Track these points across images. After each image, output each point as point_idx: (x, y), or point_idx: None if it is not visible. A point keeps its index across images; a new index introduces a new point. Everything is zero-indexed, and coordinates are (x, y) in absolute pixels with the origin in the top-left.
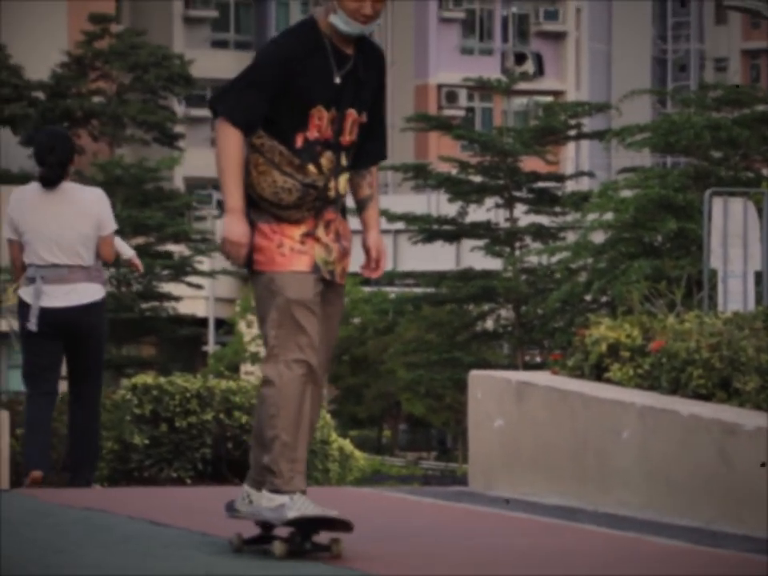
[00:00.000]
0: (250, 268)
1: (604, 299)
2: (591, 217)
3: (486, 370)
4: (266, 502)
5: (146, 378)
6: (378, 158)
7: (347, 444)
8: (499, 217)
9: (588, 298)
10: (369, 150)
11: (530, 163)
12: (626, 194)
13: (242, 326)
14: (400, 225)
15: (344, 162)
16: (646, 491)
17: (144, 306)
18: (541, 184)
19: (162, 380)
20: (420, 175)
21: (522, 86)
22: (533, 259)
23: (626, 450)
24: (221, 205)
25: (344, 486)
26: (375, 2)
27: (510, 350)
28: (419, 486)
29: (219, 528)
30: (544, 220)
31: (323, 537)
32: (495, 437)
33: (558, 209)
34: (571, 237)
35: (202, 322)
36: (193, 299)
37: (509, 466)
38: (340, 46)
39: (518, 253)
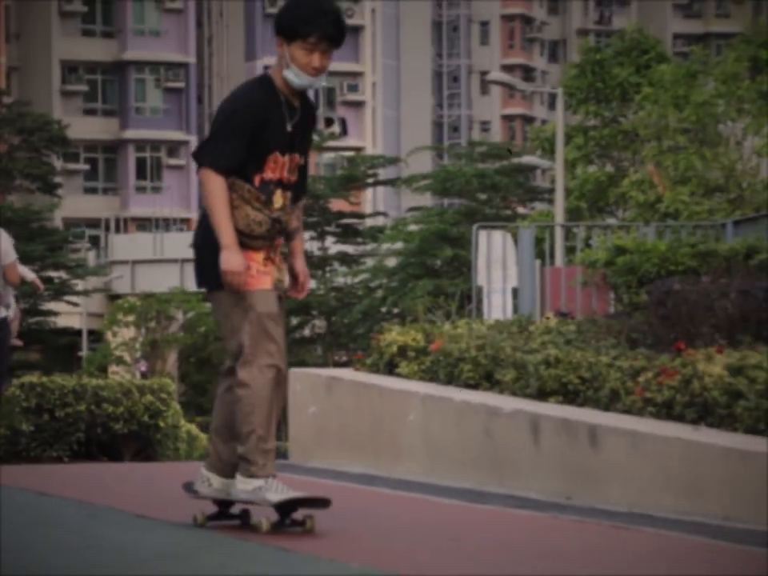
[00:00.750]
0: (214, 289)
1: (395, 311)
2: (385, 246)
3: (303, 368)
4: (242, 485)
5: (32, 378)
6: (303, 193)
7: (193, 428)
8: (313, 247)
9: (383, 310)
10: (300, 186)
11: (337, 204)
12: (413, 227)
13: (108, 335)
14: None
15: (290, 198)
16: (429, 461)
17: (31, 320)
18: (346, 221)
19: (45, 379)
20: None
21: (331, 143)
22: (340, 280)
23: (412, 429)
24: (92, 239)
25: (191, 461)
26: (322, 56)
27: (322, 351)
28: None
29: (94, 496)
30: (349, 249)
31: (297, 514)
32: (310, 420)
33: (359, 240)
34: (370, 262)
35: (78, 333)
36: (70, 314)
37: (321, 443)
38: (290, 99)
39: (328, 275)
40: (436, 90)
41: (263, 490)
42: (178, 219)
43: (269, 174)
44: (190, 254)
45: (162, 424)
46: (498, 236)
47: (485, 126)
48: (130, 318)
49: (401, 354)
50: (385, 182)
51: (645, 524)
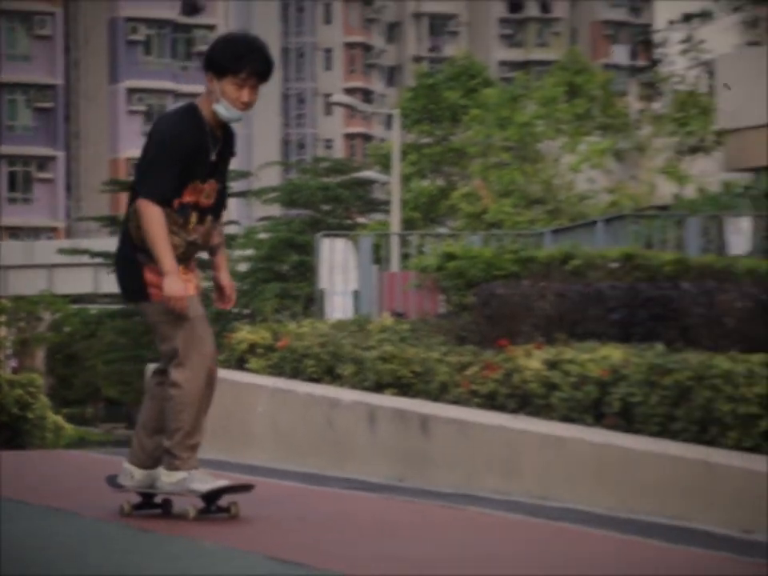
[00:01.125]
0: (141, 301)
1: (246, 312)
2: (237, 252)
3: None
4: (166, 477)
5: None
6: (221, 212)
7: (59, 419)
8: None
9: (235, 311)
10: (220, 205)
11: None
12: (263, 236)
13: None
14: (100, 259)
15: (208, 220)
16: (276, 449)
17: None
18: None
19: None
20: (114, 223)
21: None
22: None
23: (261, 419)
24: None
25: (57, 450)
26: (251, 91)
27: None
28: (112, 448)
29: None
30: (204, 255)
31: (221, 501)
32: None
33: None
34: None
35: None
36: None
37: None
38: (215, 129)
39: None
40: (284, 111)
41: (187, 481)
42: (47, 228)
43: (186, 198)
44: (57, 259)
45: (30, 415)
46: (339, 243)
47: (328, 144)
48: (2, 319)
49: (250, 350)
50: (237, 194)
51: (469, 503)
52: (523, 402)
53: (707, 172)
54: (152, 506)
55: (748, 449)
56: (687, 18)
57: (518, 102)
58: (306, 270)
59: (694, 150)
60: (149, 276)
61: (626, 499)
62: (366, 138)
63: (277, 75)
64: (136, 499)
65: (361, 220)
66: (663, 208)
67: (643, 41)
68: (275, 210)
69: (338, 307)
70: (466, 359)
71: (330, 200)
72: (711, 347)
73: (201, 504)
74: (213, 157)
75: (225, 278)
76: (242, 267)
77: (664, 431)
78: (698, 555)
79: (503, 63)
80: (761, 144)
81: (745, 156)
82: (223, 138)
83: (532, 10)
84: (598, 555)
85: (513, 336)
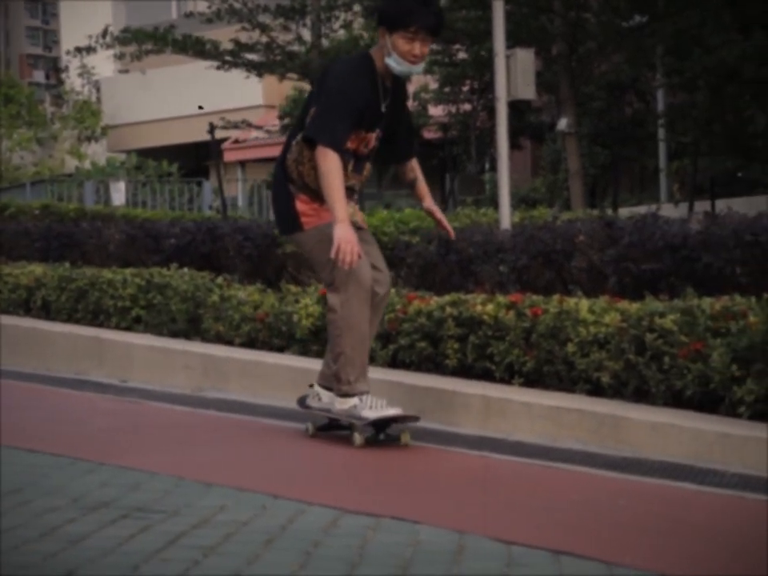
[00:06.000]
0: (294, 231)
1: None
2: None
3: None
4: (339, 404)
5: None
6: (411, 154)
7: None
8: None
9: None
10: (405, 149)
11: None
12: None
13: None
14: None
15: (366, 168)
16: None
17: None
18: None
19: None
20: None
21: None
22: None
23: None
24: None
25: None
26: (422, 45)
27: None
28: None
29: None
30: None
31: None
32: None
33: None
34: None
35: None
36: None
37: None
38: (385, 80)
39: None
40: None
41: (358, 408)
42: None
43: (348, 145)
44: None
45: None
46: None
47: None
48: None
49: None
50: None
51: None
52: None
53: (98, 152)
54: (339, 427)
55: (126, 328)
56: (79, 50)
57: None
58: None
59: (88, 138)
60: (300, 206)
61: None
62: None
63: None
64: (322, 421)
65: None
66: (69, 175)
67: (54, 67)
68: None
69: None
70: None
71: None
72: (100, 264)
73: (369, 431)
74: (383, 108)
75: (428, 203)
76: None
77: (70, 318)
78: None
79: None
80: (131, 136)
81: (121, 142)
82: (393, 89)
83: None
84: None
85: None
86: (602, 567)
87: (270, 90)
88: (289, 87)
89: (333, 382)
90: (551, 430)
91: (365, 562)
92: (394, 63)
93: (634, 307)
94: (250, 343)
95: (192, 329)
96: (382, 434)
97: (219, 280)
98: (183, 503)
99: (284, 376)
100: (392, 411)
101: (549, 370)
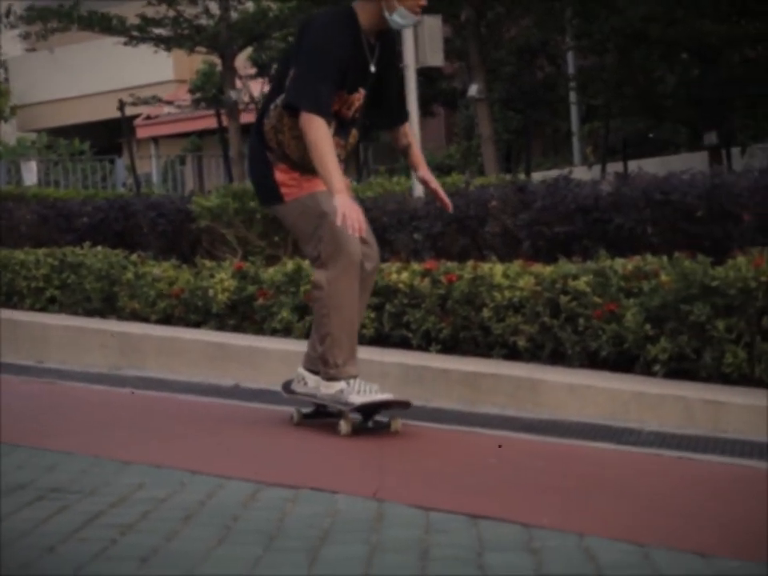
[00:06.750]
0: (274, 203)
1: None
2: None
3: None
4: (325, 388)
5: None
6: (403, 118)
7: None
8: None
9: None
10: (396, 113)
11: None
12: None
13: None
14: None
15: (352, 134)
16: None
17: None
18: None
19: None
20: None
21: None
22: None
23: None
24: None
25: None
26: None
27: None
28: None
29: None
30: None
31: (382, 414)
32: None
33: None
34: None
35: None
36: None
37: None
38: (369, 37)
39: None
40: None
41: (345, 392)
42: None
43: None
44: None
45: None
46: None
47: None
48: None
49: None
50: None
51: None
52: None
53: (8, 132)
54: (327, 414)
55: (41, 309)
56: None
57: None
58: None
59: None
60: (279, 176)
61: None
62: None
63: None
64: (308, 407)
65: None
66: None
67: None
68: None
69: None
70: None
71: None
72: (12, 245)
73: (356, 417)
74: (372, 68)
75: (423, 171)
76: None
77: None
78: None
79: None
80: (41, 115)
81: (31, 122)
82: (381, 47)
83: None
84: None
85: None
86: (520, 529)
87: (181, 65)
88: (199, 61)
89: (319, 364)
90: (469, 396)
91: (283, 534)
92: (400, 18)
93: (547, 270)
94: (166, 320)
95: (107, 307)
96: (371, 420)
97: (133, 257)
98: (101, 482)
99: (201, 351)
100: (381, 396)
101: (465, 335)
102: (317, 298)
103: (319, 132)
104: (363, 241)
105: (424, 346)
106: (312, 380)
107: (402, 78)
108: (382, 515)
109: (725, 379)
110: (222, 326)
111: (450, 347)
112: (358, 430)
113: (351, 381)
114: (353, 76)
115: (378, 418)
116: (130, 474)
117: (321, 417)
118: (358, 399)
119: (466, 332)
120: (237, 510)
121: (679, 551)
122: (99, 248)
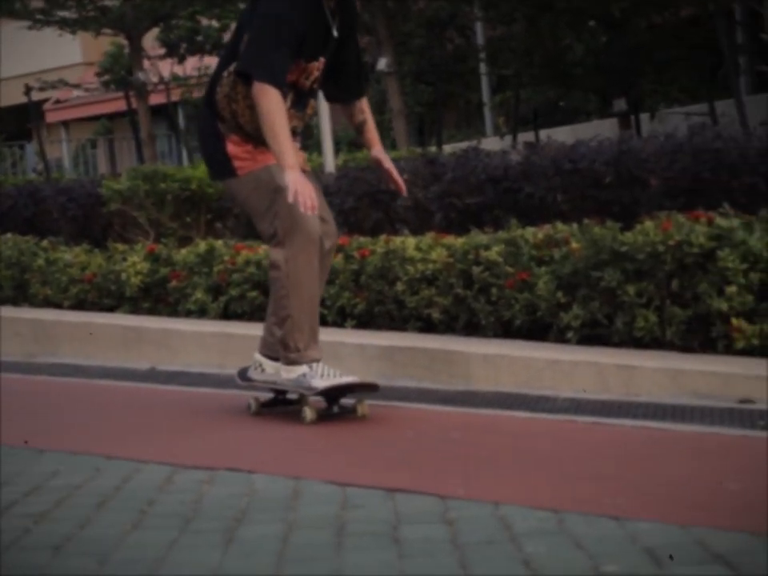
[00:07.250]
0: (226, 176)
1: None
2: None
3: None
4: (286, 373)
5: None
6: (361, 92)
7: None
8: None
9: None
10: (355, 86)
11: None
12: None
13: None
14: None
15: (309, 105)
16: None
17: None
18: None
19: None
20: None
21: None
22: None
23: None
24: None
25: None
26: None
27: None
28: None
29: None
30: None
31: (347, 399)
32: None
33: None
34: None
35: None
36: None
37: None
38: (329, 0)
39: None
40: None
41: (307, 377)
42: None
43: (288, 77)
44: None
45: None
46: None
47: None
48: None
49: None
50: None
51: None
52: None
53: None
54: (287, 402)
55: None
56: None
57: None
58: None
59: None
60: (232, 148)
61: None
62: None
63: None
64: (266, 396)
65: None
66: None
67: None
68: None
69: None
70: None
71: None
72: None
73: (321, 403)
74: (334, 32)
75: (378, 150)
76: None
77: None
78: None
79: None
80: None
81: None
82: (340, 12)
83: None
84: None
85: None
86: (436, 501)
87: (89, 47)
88: (107, 43)
89: (278, 349)
90: (385, 370)
91: (200, 516)
92: None
93: (459, 242)
94: (80, 305)
95: (19, 295)
96: (336, 406)
97: (44, 243)
98: (14, 471)
99: (116, 336)
100: (346, 379)
101: (380, 310)
102: (274, 278)
103: (272, 103)
104: (321, 219)
105: (339, 322)
106: (270, 366)
107: (359, 48)
108: (298, 493)
109: (637, 343)
110: (136, 310)
111: (365, 322)
112: (323, 417)
113: (314, 365)
114: (313, 42)
115: (343, 402)
116: (44, 461)
117: (280, 405)
118: (321, 383)
119: (381, 306)
120: (152, 494)
121: (594, 516)
122: (9, 235)
